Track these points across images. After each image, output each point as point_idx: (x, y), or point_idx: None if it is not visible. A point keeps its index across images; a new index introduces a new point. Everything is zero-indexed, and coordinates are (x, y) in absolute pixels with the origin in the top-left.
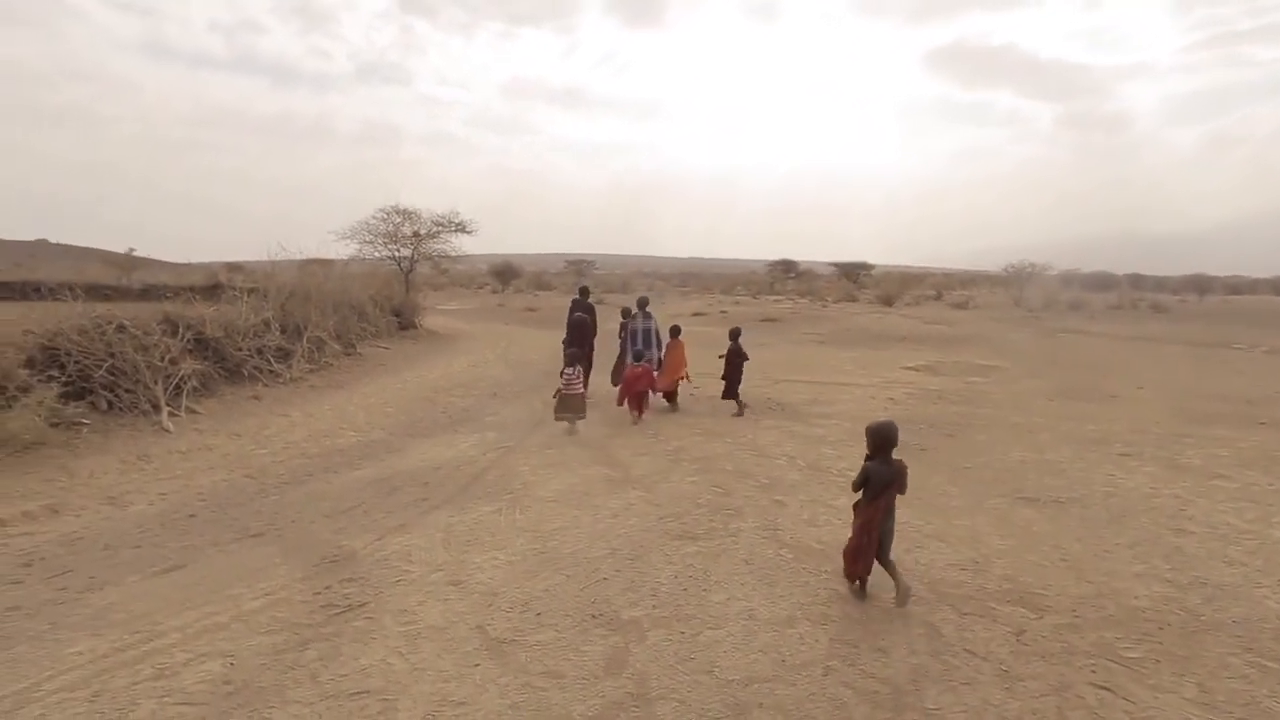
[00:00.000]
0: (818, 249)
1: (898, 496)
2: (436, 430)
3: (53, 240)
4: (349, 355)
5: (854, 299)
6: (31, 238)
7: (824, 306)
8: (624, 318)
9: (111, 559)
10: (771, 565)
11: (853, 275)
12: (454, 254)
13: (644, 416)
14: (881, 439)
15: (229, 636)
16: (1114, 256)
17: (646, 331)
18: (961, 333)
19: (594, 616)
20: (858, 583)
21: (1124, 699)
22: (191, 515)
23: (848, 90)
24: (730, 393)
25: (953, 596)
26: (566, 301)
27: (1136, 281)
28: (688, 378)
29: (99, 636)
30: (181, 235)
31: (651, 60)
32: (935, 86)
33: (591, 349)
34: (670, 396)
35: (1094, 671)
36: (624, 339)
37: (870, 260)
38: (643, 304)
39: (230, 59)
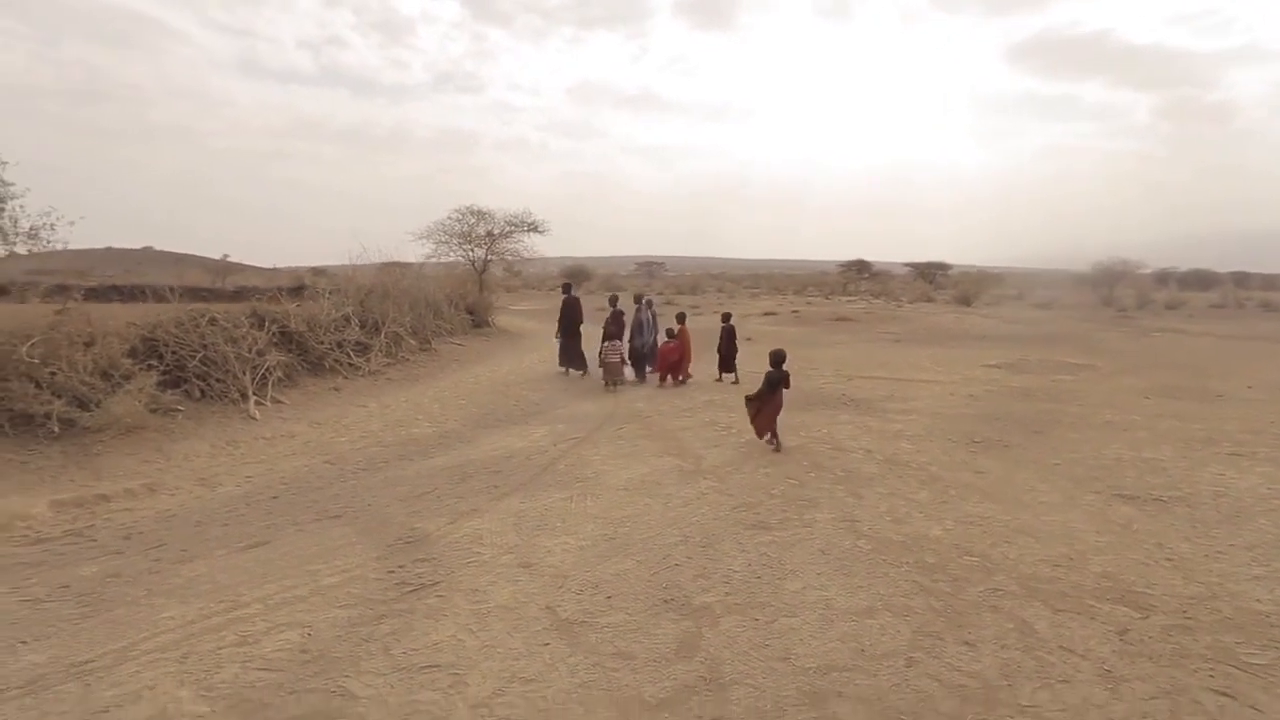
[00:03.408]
0: (893, 250)
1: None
2: (508, 422)
3: (158, 248)
4: (424, 350)
5: (930, 299)
6: (139, 245)
7: (899, 307)
8: (611, 305)
9: (201, 535)
10: (849, 556)
11: (929, 275)
12: (527, 254)
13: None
14: (777, 357)
15: (307, 609)
16: (1216, 254)
17: (644, 321)
18: (1046, 331)
19: (665, 601)
20: (767, 437)
21: (1250, 708)
22: (274, 497)
23: (925, 88)
24: (727, 366)
25: (1045, 592)
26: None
27: (1241, 280)
28: (688, 375)
29: (188, 604)
30: (270, 241)
31: (721, 62)
32: (1018, 81)
33: (579, 326)
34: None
35: (1212, 675)
36: (608, 324)
37: (948, 261)
38: (640, 299)
39: (316, 73)
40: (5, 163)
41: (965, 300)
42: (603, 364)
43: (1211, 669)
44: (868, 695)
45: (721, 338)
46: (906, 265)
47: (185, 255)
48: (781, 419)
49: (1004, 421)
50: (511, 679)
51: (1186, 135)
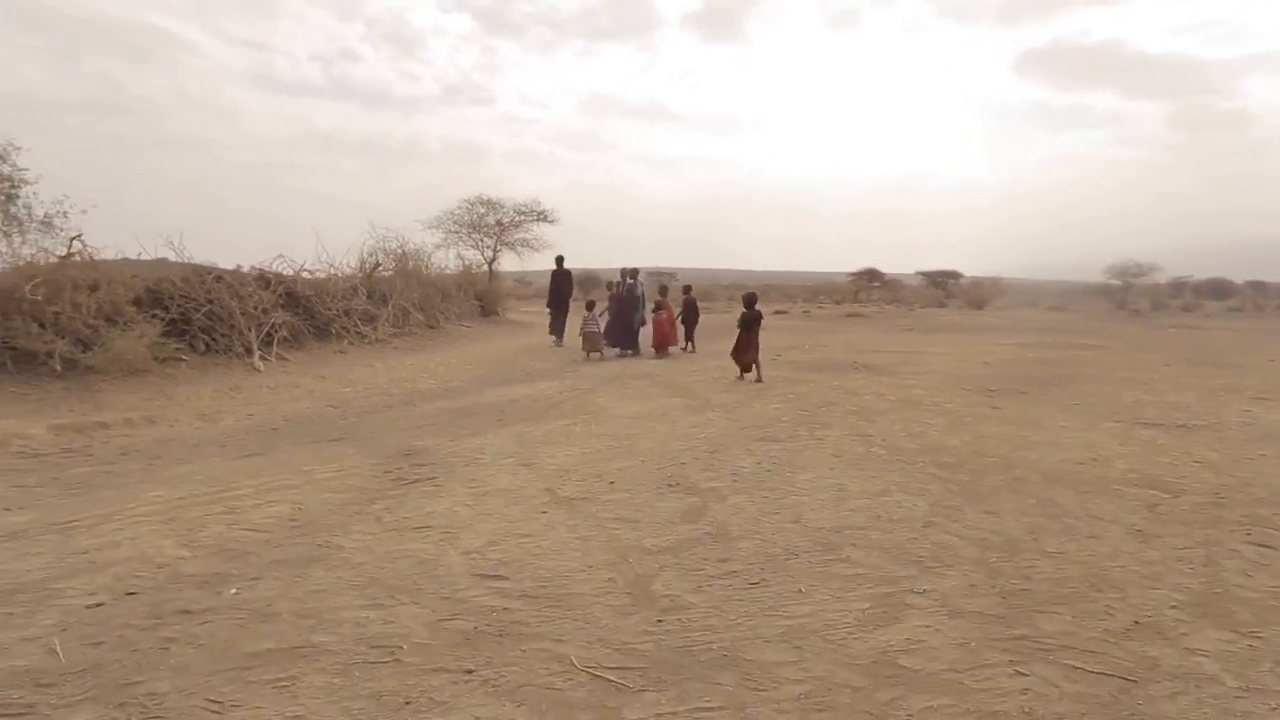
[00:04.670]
0: (904, 260)
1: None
2: (514, 382)
3: (172, 259)
4: (432, 328)
5: (942, 305)
6: (153, 256)
7: (910, 310)
8: (609, 289)
9: (198, 451)
10: (862, 458)
11: (940, 283)
12: (536, 244)
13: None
14: (750, 297)
15: (298, 493)
16: (1232, 263)
17: (639, 296)
18: (1060, 324)
19: (670, 486)
20: (748, 374)
21: None
22: (274, 429)
23: (934, 97)
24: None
25: (1068, 480)
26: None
27: (1259, 288)
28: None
29: (177, 488)
30: (282, 248)
31: (731, 73)
32: (1028, 90)
33: (567, 298)
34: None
35: (1249, 534)
36: (612, 303)
37: (959, 270)
38: (632, 273)
39: (328, 86)
40: (19, 148)
41: (977, 304)
42: (582, 334)
43: (1248, 531)
44: (884, 545)
45: (684, 309)
46: (919, 273)
47: (200, 265)
48: (771, 368)
49: (1020, 379)
50: (507, 535)
51: (1200, 144)
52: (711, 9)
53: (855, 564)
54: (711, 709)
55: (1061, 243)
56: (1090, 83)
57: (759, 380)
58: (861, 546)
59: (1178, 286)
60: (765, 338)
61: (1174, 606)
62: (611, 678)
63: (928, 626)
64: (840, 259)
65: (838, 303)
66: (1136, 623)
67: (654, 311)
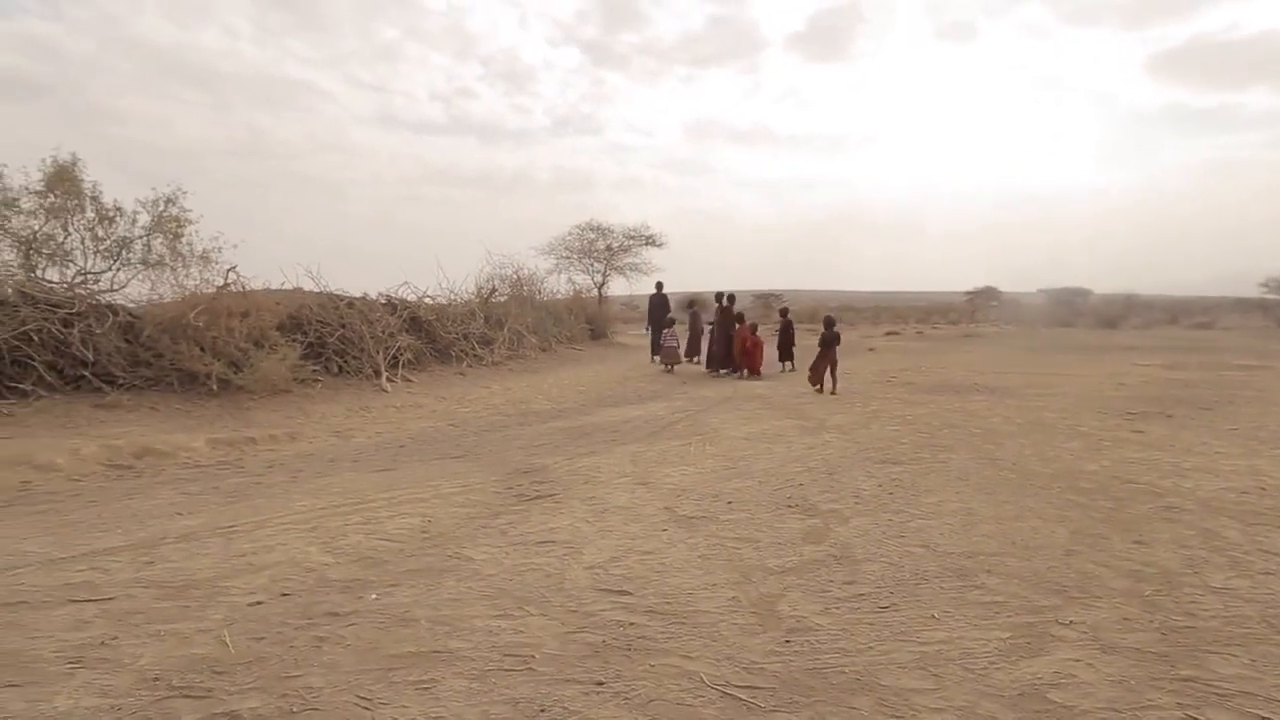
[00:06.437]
0: (1024, 277)
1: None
2: (625, 403)
3: (308, 288)
4: (544, 351)
5: (1069, 324)
6: (291, 285)
7: (1033, 330)
8: (689, 308)
9: (334, 465)
10: (991, 482)
11: (1066, 301)
12: (644, 269)
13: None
14: (828, 320)
15: (427, 506)
16: None
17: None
18: (1207, 342)
19: (789, 507)
20: (818, 386)
21: None
22: (401, 446)
23: (1057, 107)
24: (785, 355)
25: (1231, 510)
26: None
27: None
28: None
29: (319, 499)
30: (401, 277)
31: (837, 92)
32: (1163, 93)
33: (664, 321)
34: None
35: None
36: (690, 322)
37: (1087, 286)
38: (720, 297)
39: (447, 123)
40: (186, 192)
41: (1109, 323)
42: (662, 348)
43: None
44: (1022, 573)
45: (780, 331)
46: (1041, 291)
47: (333, 293)
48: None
49: (1164, 402)
50: (628, 551)
51: None
52: (815, 29)
53: (992, 591)
54: None
55: (1208, 255)
56: (1241, 81)
57: (834, 393)
58: (997, 573)
59: None
60: (878, 359)
61: None
62: (742, 696)
63: (1078, 660)
64: (955, 277)
65: (953, 323)
66: None
67: (710, 327)
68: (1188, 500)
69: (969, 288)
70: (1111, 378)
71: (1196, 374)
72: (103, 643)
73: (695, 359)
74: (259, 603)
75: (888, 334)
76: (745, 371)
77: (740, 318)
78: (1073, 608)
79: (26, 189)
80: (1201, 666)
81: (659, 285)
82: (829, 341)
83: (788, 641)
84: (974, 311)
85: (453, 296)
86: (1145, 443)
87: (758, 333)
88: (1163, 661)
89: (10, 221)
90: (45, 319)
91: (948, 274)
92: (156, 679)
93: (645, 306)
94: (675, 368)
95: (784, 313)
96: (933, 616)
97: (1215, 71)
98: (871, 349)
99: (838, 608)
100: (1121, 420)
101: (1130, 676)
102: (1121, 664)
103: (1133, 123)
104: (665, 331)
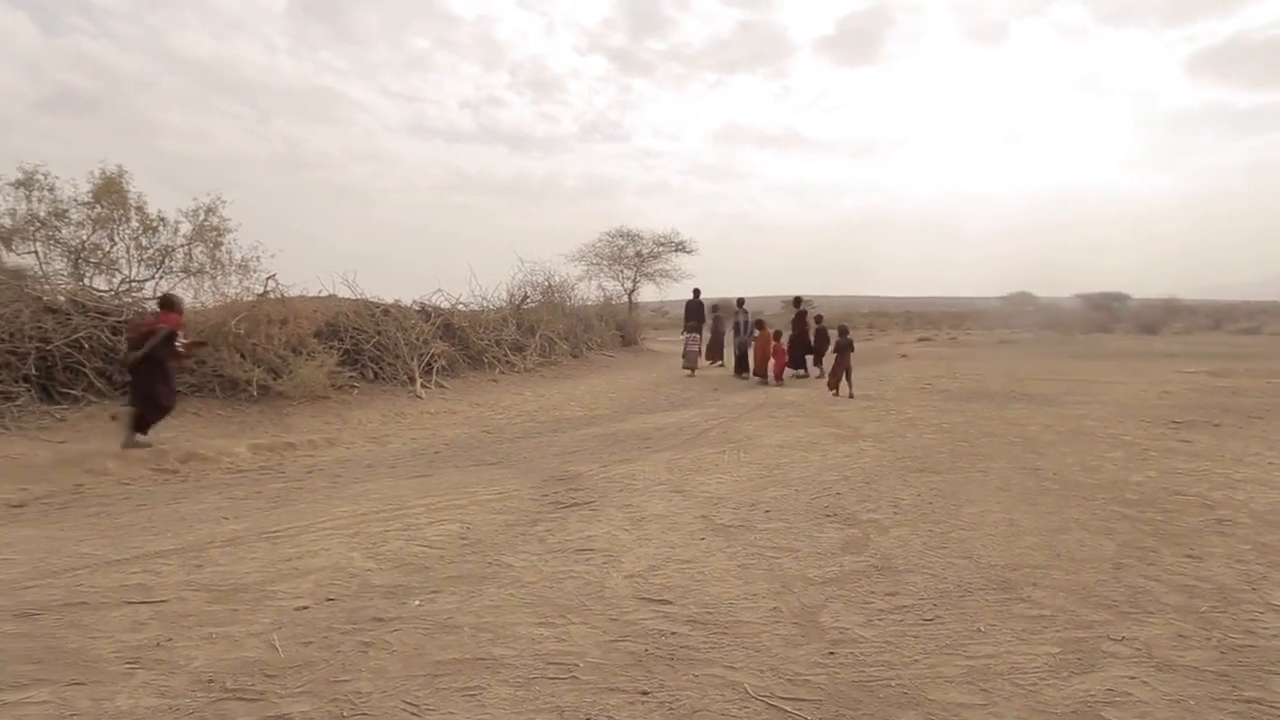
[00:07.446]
0: (1060, 282)
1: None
2: (657, 410)
3: (344, 294)
4: (575, 357)
5: (1107, 330)
6: (328, 293)
7: (1070, 336)
8: (712, 312)
9: (372, 471)
10: (1033, 492)
11: (1103, 306)
12: (674, 275)
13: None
14: (842, 328)
15: (465, 513)
16: None
17: (740, 324)
18: (1256, 348)
19: (828, 516)
20: (835, 391)
21: None
22: (437, 452)
23: (1094, 108)
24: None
25: None
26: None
27: None
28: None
29: (359, 504)
30: (432, 284)
31: (866, 96)
32: (1203, 93)
33: (701, 325)
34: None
35: None
36: (713, 326)
37: (1126, 292)
38: (740, 302)
39: (476, 130)
40: (225, 202)
41: (1150, 328)
42: (684, 353)
43: None
44: (1069, 586)
45: (814, 336)
46: (1078, 296)
47: (368, 300)
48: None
49: (1211, 410)
50: (667, 560)
51: None
52: (844, 32)
53: (1038, 605)
54: None
55: (1258, 257)
56: None
57: (851, 396)
58: (1043, 586)
59: None
60: (911, 366)
61: None
62: (787, 708)
63: (1132, 678)
64: (989, 282)
65: (988, 328)
66: None
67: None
68: (1241, 513)
69: (1003, 292)
70: (1155, 384)
71: (1245, 381)
72: (158, 644)
73: (718, 363)
74: (305, 607)
75: (920, 340)
76: (771, 377)
77: (761, 324)
78: (1124, 623)
79: (75, 200)
80: (1266, 688)
81: (696, 291)
82: (843, 348)
83: (831, 653)
84: (1008, 317)
85: (485, 303)
86: (1193, 452)
87: (781, 339)
88: (1223, 681)
89: (60, 232)
90: (95, 326)
91: (981, 278)
92: (210, 681)
93: (677, 313)
94: (696, 372)
95: (818, 319)
96: (978, 630)
97: (1259, 69)
98: (904, 355)
99: (881, 619)
100: (1166, 429)
101: (1189, 696)
102: (1179, 683)
103: (1173, 122)
104: (688, 336)
